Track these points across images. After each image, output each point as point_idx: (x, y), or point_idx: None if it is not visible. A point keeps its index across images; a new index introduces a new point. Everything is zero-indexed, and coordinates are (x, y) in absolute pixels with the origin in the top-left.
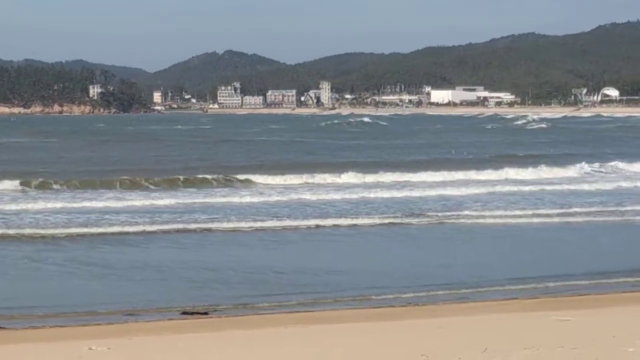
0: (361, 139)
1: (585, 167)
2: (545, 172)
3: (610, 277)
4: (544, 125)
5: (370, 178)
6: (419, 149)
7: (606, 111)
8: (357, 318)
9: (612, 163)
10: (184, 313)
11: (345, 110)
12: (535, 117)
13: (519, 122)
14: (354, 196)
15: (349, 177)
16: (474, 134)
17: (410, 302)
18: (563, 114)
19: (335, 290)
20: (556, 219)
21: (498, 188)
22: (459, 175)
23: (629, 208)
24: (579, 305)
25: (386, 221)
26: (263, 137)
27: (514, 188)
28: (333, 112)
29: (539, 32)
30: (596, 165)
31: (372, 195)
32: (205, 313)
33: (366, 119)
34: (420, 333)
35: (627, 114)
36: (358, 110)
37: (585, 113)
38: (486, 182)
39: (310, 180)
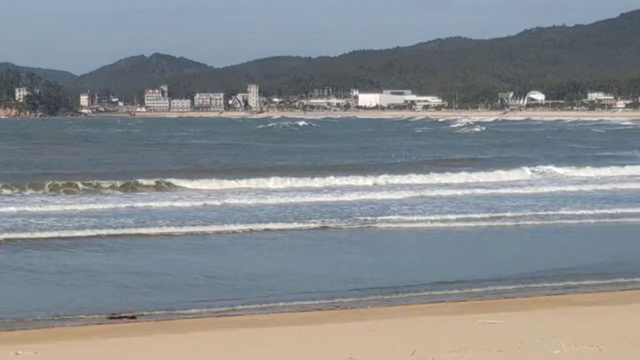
0: (297, 142)
1: (527, 170)
2: (481, 176)
3: (536, 280)
4: (479, 129)
5: (301, 182)
6: (354, 152)
7: (536, 115)
8: (286, 322)
9: (547, 167)
10: (112, 317)
11: (275, 114)
12: (469, 120)
13: (454, 126)
14: (284, 200)
15: (279, 182)
16: (410, 137)
17: (339, 305)
18: (494, 118)
19: (265, 294)
20: (484, 223)
21: (428, 192)
22: (396, 179)
23: (558, 212)
24: (505, 308)
25: (316, 225)
26: (195, 141)
27: (449, 192)
28: (261, 115)
29: (466, 36)
30: (535, 168)
31: (302, 199)
32: (133, 317)
33: (302, 123)
34: (349, 336)
35: (555, 118)
36: (287, 114)
37: (516, 117)
38: (420, 185)
39: (242, 185)
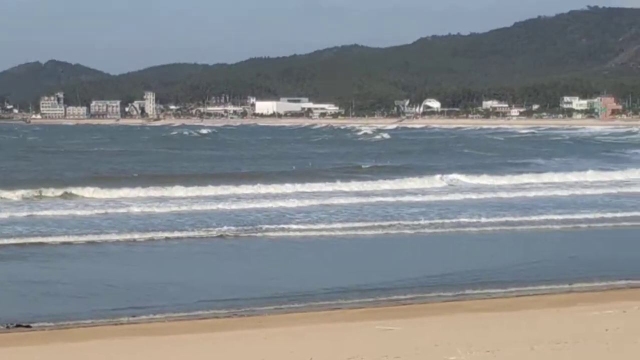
0: (200, 150)
1: (437, 178)
2: (388, 183)
3: (432, 288)
4: (383, 137)
5: (202, 190)
6: (258, 160)
7: (434, 122)
8: (184, 329)
9: (452, 175)
10: (7, 326)
11: (172, 121)
12: (372, 128)
13: (359, 133)
14: (186, 208)
15: (181, 190)
16: (316, 145)
17: (237, 313)
18: (394, 125)
19: (164, 303)
20: (381, 231)
21: (331, 200)
22: (299, 187)
23: (454, 220)
24: (402, 315)
25: (215, 234)
26: (95, 148)
27: (353, 200)
28: (159, 123)
29: (363, 44)
30: (445, 176)
31: (203, 207)
32: (28, 326)
33: (204, 130)
34: (246, 343)
35: (455, 125)
36: (185, 121)
37: (415, 124)
38: (324, 193)
39: (143, 193)
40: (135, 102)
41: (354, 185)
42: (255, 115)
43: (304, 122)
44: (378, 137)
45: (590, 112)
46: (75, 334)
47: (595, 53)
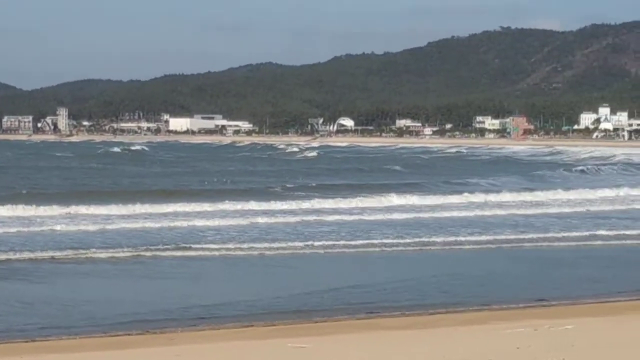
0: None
1: (393, 197)
2: (329, 202)
3: (342, 307)
4: (314, 154)
5: (121, 209)
6: (188, 177)
7: (358, 141)
8: (95, 347)
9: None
10: None
11: (85, 137)
12: (295, 147)
13: (288, 151)
14: (91, 227)
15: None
16: (245, 162)
17: (149, 330)
18: (317, 143)
19: (76, 320)
20: (300, 251)
21: (259, 219)
22: (219, 205)
23: (366, 241)
24: (314, 332)
25: (129, 253)
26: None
27: (285, 219)
28: (72, 138)
29: (277, 61)
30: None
31: (120, 225)
32: None
33: (136, 147)
34: None
35: (379, 144)
36: (96, 137)
37: (339, 142)
38: (243, 212)
39: (57, 212)
40: (48, 117)
41: (276, 205)
42: (169, 132)
43: (219, 139)
44: (309, 154)
45: (502, 132)
46: None
47: (508, 73)
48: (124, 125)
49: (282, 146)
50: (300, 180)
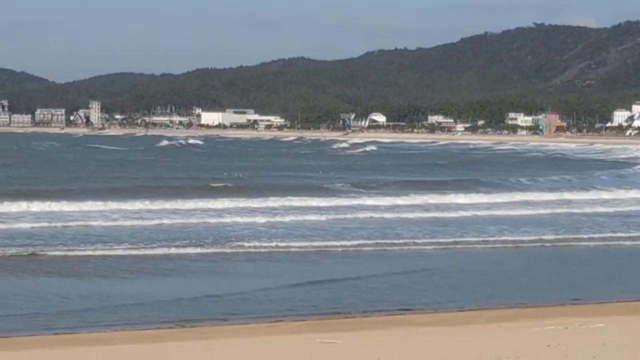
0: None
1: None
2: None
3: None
4: (374, 148)
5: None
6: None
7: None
8: (127, 340)
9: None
10: None
11: (118, 131)
12: (346, 143)
13: (338, 147)
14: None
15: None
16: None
17: (181, 325)
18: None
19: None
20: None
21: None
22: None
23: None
24: (345, 328)
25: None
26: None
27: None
28: (105, 132)
29: (309, 56)
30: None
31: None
32: None
33: (192, 141)
34: (189, 355)
35: (419, 140)
36: (128, 131)
37: (385, 139)
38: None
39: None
40: (80, 110)
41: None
42: (201, 125)
43: (262, 134)
44: (368, 149)
45: (534, 129)
46: (16, 343)
47: (541, 70)
48: (156, 119)
49: (323, 140)
50: (393, 176)
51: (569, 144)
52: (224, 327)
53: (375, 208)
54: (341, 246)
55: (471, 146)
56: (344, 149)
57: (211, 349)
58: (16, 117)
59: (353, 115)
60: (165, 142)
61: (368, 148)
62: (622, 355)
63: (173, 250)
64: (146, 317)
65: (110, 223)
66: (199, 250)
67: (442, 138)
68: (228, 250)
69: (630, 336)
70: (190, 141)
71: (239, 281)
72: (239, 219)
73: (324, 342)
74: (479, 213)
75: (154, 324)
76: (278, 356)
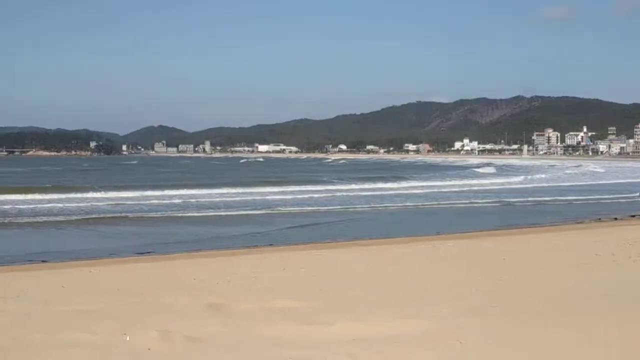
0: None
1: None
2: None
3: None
4: (345, 162)
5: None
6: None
7: (350, 157)
8: (217, 255)
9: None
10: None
11: (221, 154)
12: (331, 159)
13: (328, 161)
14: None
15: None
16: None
17: (244, 247)
18: (334, 157)
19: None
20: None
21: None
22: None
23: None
24: (326, 247)
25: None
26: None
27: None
28: (213, 155)
29: (308, 117)
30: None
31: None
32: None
33: (259, 159)
34: (262, 260)
35: (367, 157)
36: (223, 154)
37: (349, 157)
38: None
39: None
40: (200, 145)
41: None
42: (259, 152)
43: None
44: (339, 162)
45: (417, 151)
46: (179, 257)
47: (419, 123)
48: (235, 149)
49: (317, 157)
50: (354, 174)
51: (435, 158)
52: (270, 248)
53: (346, 190)
54: (327, 210)
55: (388, 160)
56: (330, 162)
57: (266, 258)
58: (169, 149)
59: (330, 146)
60: (244, 160)
61: (341, 162)
62: (463, 257)
63: (244, 212)
64: (230, 243)
65: (214, 199)
66: (256, 212)
67: (373, 157)
68: (270, 212)
69: (466, 249)
70: (257, 159)
71: (273, 226)
72: (277, 197)
73: (316, 254)
74: (392, 192)
75: (232, 247)
76: (294, 259)
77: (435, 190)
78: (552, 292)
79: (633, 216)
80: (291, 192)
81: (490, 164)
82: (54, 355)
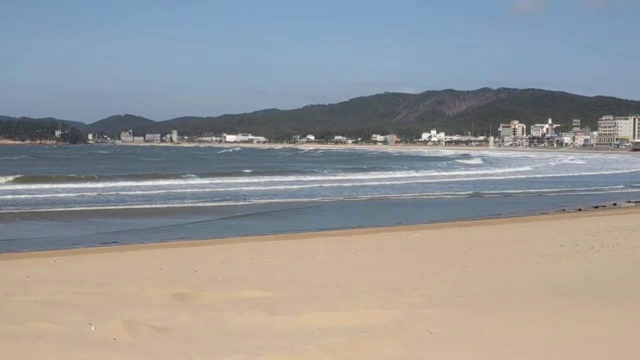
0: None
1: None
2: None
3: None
4: (322, 152)
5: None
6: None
7: (321, 147)
8: (206, 243)
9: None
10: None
11: (189, 144)
12: (307, 149)
13: (305, 151)
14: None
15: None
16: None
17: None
18: (309, 147)
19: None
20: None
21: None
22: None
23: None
24: (294, 238)
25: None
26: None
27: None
28: (180, 144)
29: (278, 108)
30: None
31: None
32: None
33: (234, 149)
34: (217, 251)
35: (329, 147)
36: (190, 144)
37: (321, 148)
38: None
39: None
40: (167, 135)
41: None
42: (227, 142)
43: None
44: (316, 153)
45: (385, 142)
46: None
47: (387, 114)
48: (203, 139)
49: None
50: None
51: (401, 149)
52: (238, 238)
53: (321, 180)
54: (310, 200)
55: (357, 151)
56: (306, 152)
57: (234, 248)
58: (136, 139)
59: (298, 136)
60: (223, 151)
61: (318, 152)
62: (427, 246)
63: (218, 204)
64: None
65: (205, 189)
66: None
67: (342, 147)
68: (240, 203)
69: (429, 239)
70: (234, 149)
71: (243, 216)
72: (255, 187)
73: (285, 244)
74: (370, 183)
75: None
76: (265, 248)
77: (446, 179)
78: (517, 282)
79: (596, 207)
80: (269, 183)
81: (469, 155)
82: (19, 346)
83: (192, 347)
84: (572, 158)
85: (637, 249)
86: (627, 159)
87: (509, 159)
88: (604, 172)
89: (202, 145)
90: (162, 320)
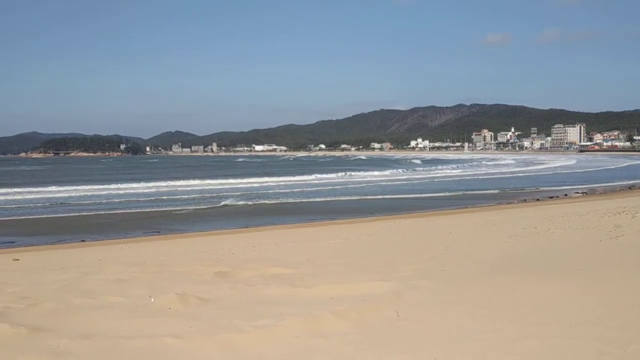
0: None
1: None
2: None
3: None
4: (330, 158)
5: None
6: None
7: (334, 154)
8: (224, 233)
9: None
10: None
11: (223, 153)
12: (319, 155)
13: (317, 156)
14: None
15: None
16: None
17: (248, 227)
18: (320, 153)
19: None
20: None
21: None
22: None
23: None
24: (311, 226)
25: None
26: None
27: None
28: (219, 154)
29: (295, 123)
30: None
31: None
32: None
33: (258, 159)
34: (245, 239)
35: (342, 154)
36: (227, 153)
37: (329, 154)
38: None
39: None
40: (208, 146)
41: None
42: (256, 151)
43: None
44: (326, 158)
45: (380, 149)
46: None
47: (382, 126)
48: (237, 149)
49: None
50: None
51: (395, 154)
52: (266, 227)
53: (326, 178)
54: (319, 199)
55: (360, 157)
56: (319, 156)
57: (262, 235)
58: (184, 150)
59: (312, 145)
60: (241, 159)
61: (327, 158)
62: (416, 231)
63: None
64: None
65: (226, 186)
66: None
67: (349, 154)
68: (266, 202)
69: (418, 225)
70: (258, 159)
71: (264, 209)
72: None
73: (304, 231)
74: (371, 183)
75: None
76: (287, 235)
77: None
78: (489, 257)
79: (551, 197)
80: (282, 183)
81: (442, 159)
82: (93, 314)
83: (231, 314)
84: (531, 158)
85: (583, 230)
86: (577, 158)
87: (484, 159)
88: (558, 172)
89: (235, 154)
90: (207, 292)
